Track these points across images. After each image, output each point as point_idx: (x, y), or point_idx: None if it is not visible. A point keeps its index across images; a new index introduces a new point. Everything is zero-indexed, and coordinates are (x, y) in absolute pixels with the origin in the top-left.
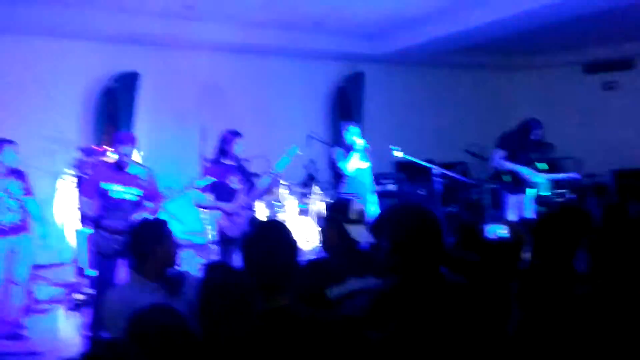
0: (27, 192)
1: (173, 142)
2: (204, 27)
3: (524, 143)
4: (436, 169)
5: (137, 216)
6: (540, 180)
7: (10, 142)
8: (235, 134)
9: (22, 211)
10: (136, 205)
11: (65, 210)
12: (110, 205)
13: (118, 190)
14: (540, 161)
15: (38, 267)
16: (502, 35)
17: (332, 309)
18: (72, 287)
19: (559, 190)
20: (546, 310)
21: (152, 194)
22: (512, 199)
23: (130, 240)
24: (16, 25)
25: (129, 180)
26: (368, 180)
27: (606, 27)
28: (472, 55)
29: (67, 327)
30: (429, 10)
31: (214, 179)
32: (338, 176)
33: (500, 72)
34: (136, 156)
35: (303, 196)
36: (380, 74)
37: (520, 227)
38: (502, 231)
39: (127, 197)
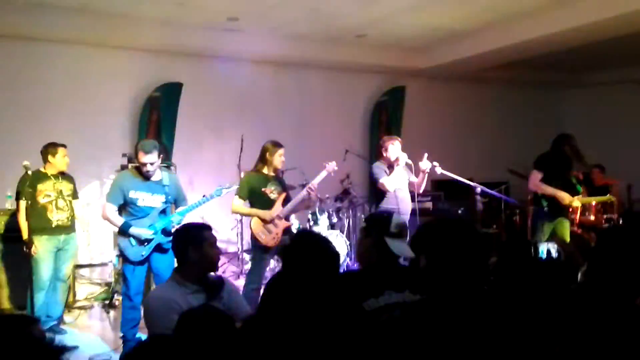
0: (75, 194)
1: (212, 151)
2: (246, 39)
3: (560, 162)
4: (477, 187)
5: (172, 222)
6: (576, 205)
7: (62, 145)
8: (278, 145)
9: (70, 212)
10: (162, 212)
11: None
12: (137, 213)
13: (144, 198)
14: (579, 181)
15: (80, 266)
16: (549, 51)
17: (367, 321)
18: (110, 287)
19: (607, 215)
20: (607, 332)
21: (178, 201)
22: (547, 226)
23: (173, 243)
24: (66, 35)
25: (154, 188)
26: (408, 196)
27: None
28: (519, 71)
29: (104, 325)
30: (473, 24)
31: (251, 187)
32: (378, 192)
33: (547, 89)
34: (160, 164)
35: (338, 210)
36: (422, 88)
37: (571, 247)
38: (552, 250)
39: (153, 204)
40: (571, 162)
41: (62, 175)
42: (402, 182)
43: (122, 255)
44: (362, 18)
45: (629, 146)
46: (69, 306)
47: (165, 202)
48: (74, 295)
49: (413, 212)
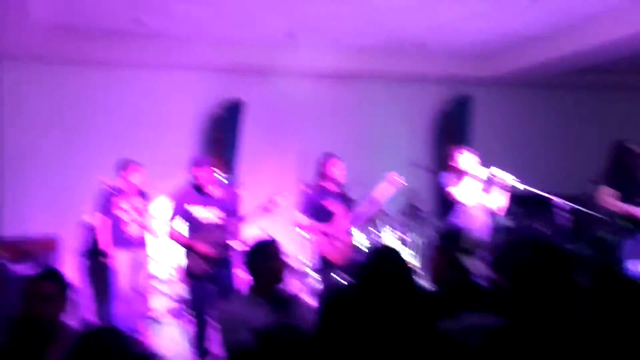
0: (150, 210)
1: (274, 167)
2: (305, 54)
3: (627, 173)
4: (560, 202)
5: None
6: None
7: (137, 164)
8: (331, 156)
9: (145, 227)
10: (219, 226)
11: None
12: (196, 227)
13: (201, 211)
14: None
15: (154, 279)
16: (628, 55)
17: (443, 344)
18: (183, 301)
19: None
20: None
21: (234, 215)
22: (631, 246)
23: (243, 258)
24: (132, 59)
25: (211, 202)
26: (480, 213)
27: None
28: (595, 75)
29: (177, 337)
30: (542, 29)
31: (311, 202)
32: (446, 203)
33: (629, 94)
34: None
35: (403, 226)
36: (490, 97)
37: None
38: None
39: (210, 218)
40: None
41: (139, 192)
42: (472, 195)
43: (188, 271)
44: (423, 27)
45: None
46: (144, 318)
47: (221, 216)
48: (150, 308)
49: (488, 229)
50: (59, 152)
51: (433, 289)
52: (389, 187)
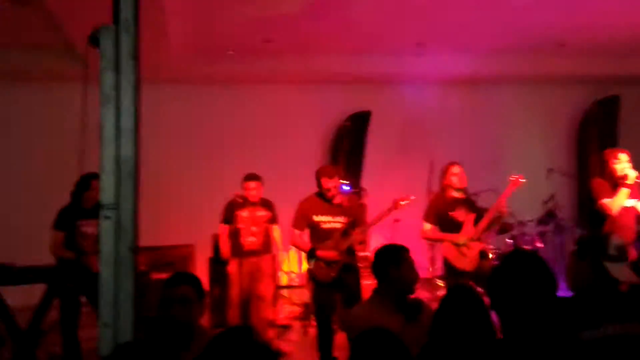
0: (273, 220)
1: (401, 176)
2: (434, 61)
3: None
4: None
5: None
6: None
7: (254, 178)
8: (451, 163)
9: (265, 236)
10: (344, 234)
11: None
12: (321, 235)
13: (327, 220)
14: None
15: (281, 287)
16: None
17: (586, 354)
18: (307, 308)
19: None
20: None
21: (356, 222)
22: None
23: (373, 263)
24: (262, 76)
25: (335, 211)
26: (632, 222)
27: None
28: None
29: (303, 343)
30: None
31: (438, 212)
32: (596, 214)
33: None
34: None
35: (542, 234)
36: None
37: None
38: None
39: (336, 227)
40: None
41: (262, 203)
42: (628, 203)
43: (313, 278)
44: (561, 25)
45: None
46: (270, 325)
47: (347, 224)
48: (276, 315)
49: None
50: (194, 166)
51: (573, 297)
52: (512, 188)
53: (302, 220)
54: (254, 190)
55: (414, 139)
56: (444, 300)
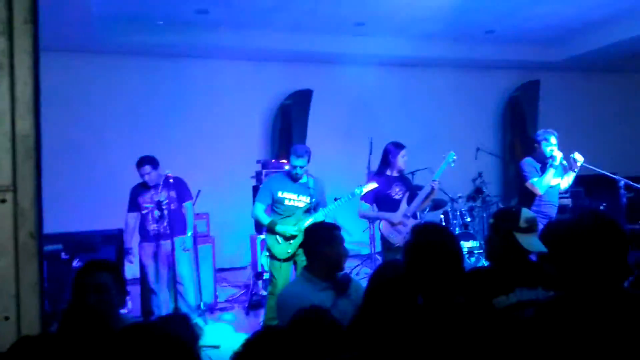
0: (181, 198)
1: (342, 155)
2: (373, 42)
3: None
4: (621, 181)
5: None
6: None
7: (145, 162)
8: (399, 146)
9: (175, 217)
10: (306, 212)
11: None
12: (283, 212)
13: (291, 198)
14: None
15: (220, 270)
16: None
17: (498, 319)
18: (249, 289)
19: None
20: None
21: (320, 203)
22: None
23: (304, 241)
24: (202, 50)
25: (301, 190)
26: (556, 198)
27: None
28: None
29: (245, 324)
30: (612, 11)
31: (376, 191)
32: (525, 193)
33: None
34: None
35: (471, 210)
36: (557, 81)
37: None
38: None
39: (299, 205)
40: None
41: (164, 185)
42: (554, 182)
43: (269, 253)
44: (490, 13)
45: None
46: (212, 307)
47: (310, 204)
48: (216, 298)
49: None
50: (122, 145)
51: (490, 266)
52: (445, 165)
53: (267, 195)
54: (160, 172)
55: (355, 118)
56: (373, 276)
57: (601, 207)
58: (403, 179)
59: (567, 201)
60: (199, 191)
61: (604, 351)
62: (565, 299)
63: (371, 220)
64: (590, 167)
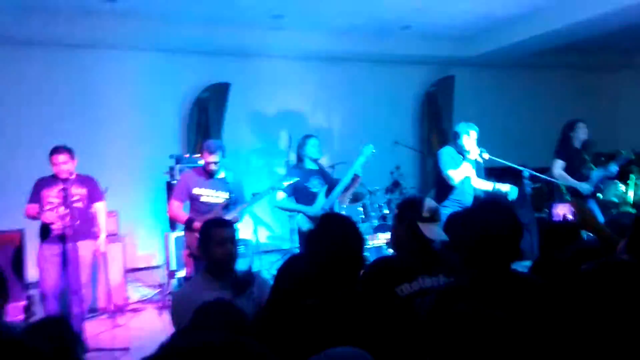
0: (92, 198)
1: (260, 150)
2: (292, 36)
3: (575, 148)
4: (527, 172)
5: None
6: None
7: (61, 150)
8: (308, 136)
9: (82, 218)
10: (225, 208)
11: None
12: (201, 209)
13: (208, 194)
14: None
15: (132, 270)
16: (599, 33)
17: (401, 306)
18: (163, 288)
19: None
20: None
21: (238, 198)
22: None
23: (198, 240)
24: (114, 40)
25: (218, 186)
26: (471, 189)
27: None
28: (568, 55)
29: (157, 325)
30: (520, 10)
31: (294, 181)
32: (441, 183)
33: (599, 72)
34: (223, 162)
35: (389, 202)
36: (471, 76)
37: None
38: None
39: (217, 201)
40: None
41: (78, 180)
42: (469, 174)
43: (189, 250)
44: (406, 9)
45: None
46: (122, 308)
47: (228, 199)
48: (127, 299)
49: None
50: (23, 142)
51: (394, 255)
52: (363, 158)
53: (182, 191)
54: (68, 166)
55: (274, 112)
56: (279, 270)
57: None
58: (322, 172)
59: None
60: (106, 188)
61: (495, 333)
62: (459, 285)
63: (287, 211)
64: (498, 159)
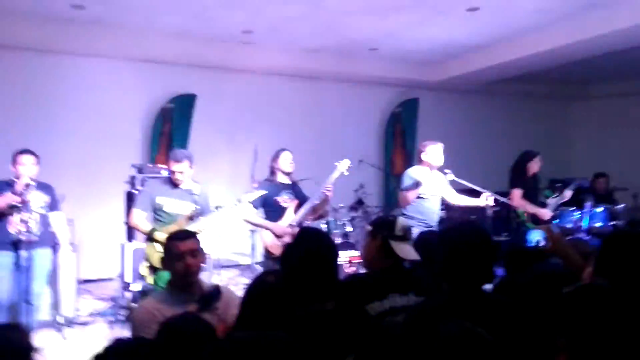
0: (53, 207)
1: (226, 163)
2: (261, 52)
3: (529, 177)
4: (488, 194)
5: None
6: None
7: (30, 152)
8: (282, 149)
9: (42, 226)
10: (190, 219)
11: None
12: (164, 219)
13: (172, 204)
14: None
15: (84, 281)
16: (557, 64)
17: (372, 324)
18: (116, 301)
19: (614, 222)
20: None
21: (204, 210)
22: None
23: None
24: (80, 47)
25: (183, 196)
26: (437, 206)
27: None
28: (527, 84)
29: (108, 340)
30: (482, 39)
31: (264, 194)
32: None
33: (555, 102)
34: (190, 173)
35: (352, 220)
36: (434, 100)
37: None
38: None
39: (180, 212)
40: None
41: (39, 186)
42: (433, 190)
43: (149, 263)
44: (374, 32)
45: (634, 156)
46: (71, 322)
47: (194, 211)
48: (77, 311)
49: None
50: None
51: (366, 273)
52: (338, 173)
53: (145, 201)
54: (29, 170)
55: (240, 126)
56: (250, 285)
57: (470, 219)
58: (294, 187)
59: (442, 213)
60: (63, 196)
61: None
62: (431, 304)
63: (254, 225)
64: (462, 181)
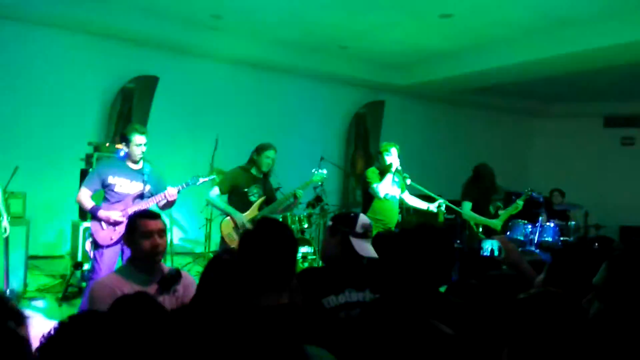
0: None
1: (185, 148)
2: (228, 38)
3: (482, 191)
4: (443, 202)
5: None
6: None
7: None
8: (268, 146)
9: None
10: (138, 198)
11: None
12: (113, 198)
13: (122, 184)
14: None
15: (33, 257)
16: (520, 79)
17: (326, 317)
18: (65, 279)
19: (563, 238)
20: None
21: (157, 190)
22: (487, 244)
23: (125, 230)
24: (41, 16)
25: (134, 176)
26: (396, 207)
27: (629, 82)
28: (490, 96)
29: (55, 317)
30: (449, 47)
31: (235, 184)
32: (367, 197)
33: (517, 116)
34: (141, 152)
35: (309, 216)
36: (400, 104)
37: (511, 242)
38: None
39: (129, 191)
40: (493, 191)
41: None
42: (392, 191)
43: (92, 239)
44: (346, 29)
45: (589, 176)
46: (18, 297)
47: (142, 190)
48: (25, 287)
49: (398, 224)
50: None
51: (323, 267)
52: (312, 183)
53: (95, 179)
54: None
55: (202, 112)
56: (207, 266)
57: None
58: (264, 182)
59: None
60: (16, 167)
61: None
62: (386, 301)
63: (216, 208)
64: (418, 186)
